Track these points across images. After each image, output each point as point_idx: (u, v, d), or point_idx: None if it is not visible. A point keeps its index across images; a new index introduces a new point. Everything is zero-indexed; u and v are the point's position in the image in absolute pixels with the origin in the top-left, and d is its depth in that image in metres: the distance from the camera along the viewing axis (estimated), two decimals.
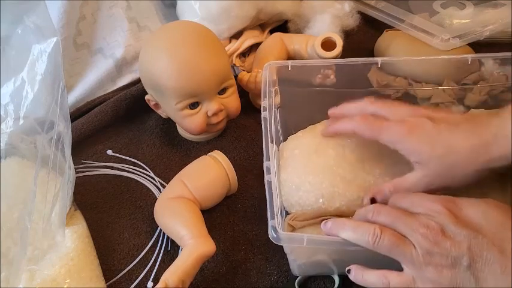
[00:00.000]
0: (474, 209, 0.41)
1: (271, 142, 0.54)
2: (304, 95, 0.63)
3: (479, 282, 0.38)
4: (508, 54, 0.61)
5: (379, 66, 0.62)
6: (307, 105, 0.63)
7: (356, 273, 0.45)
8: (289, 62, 0.61)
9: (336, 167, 0.54)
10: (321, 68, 0.63)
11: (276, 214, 0.47)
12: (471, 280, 0.38)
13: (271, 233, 0.46)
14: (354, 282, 0.54)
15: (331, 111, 0.57)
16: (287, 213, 0.55)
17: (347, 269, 0.46)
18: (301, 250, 0.51)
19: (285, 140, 0.60)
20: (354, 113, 0.53)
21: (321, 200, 0.52)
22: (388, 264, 0.43)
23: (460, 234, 0.39)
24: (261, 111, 0.56)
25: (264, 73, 0.59)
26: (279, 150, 0.58)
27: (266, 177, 0.50)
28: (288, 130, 0.61)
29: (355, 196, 0.53)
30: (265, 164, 0.51)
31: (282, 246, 0.54)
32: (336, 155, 0.55)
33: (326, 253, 0.50)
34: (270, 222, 0.46)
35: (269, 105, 0.57)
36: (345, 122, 0.53)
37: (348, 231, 0.43)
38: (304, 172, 0.54)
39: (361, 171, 0.54)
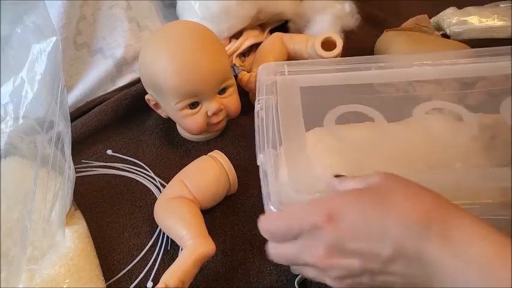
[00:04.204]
0: (350, 211, 0.38)
1: (266, 136, 0.53)
2: (303, 99, 0.63)
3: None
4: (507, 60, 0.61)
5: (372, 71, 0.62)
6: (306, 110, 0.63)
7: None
8: (285, 63, 0.61)
9: (331, 162, 0.54)
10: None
11: (270, 196, 0.47)
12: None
13: (267, 207, 0.46)
14: None
15: None
16: None
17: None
18: None
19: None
20: None
21: (317, 195, 0.52)
22: None
23: (348, 250, 0.37)
24: (255, 106, 0.55)
25: (259, 74, 0.59)
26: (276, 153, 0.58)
27: (258, 162, 0.50)
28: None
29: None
30: (258, 157, 0.51)
31: None
32: (333, 153, 0.55)
33: None
34: (265, 201, 0.47)
35: (265, 103, 0.56)
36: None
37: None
38: (300, 167, 0.54)
39: (358, 169, 0.54)
